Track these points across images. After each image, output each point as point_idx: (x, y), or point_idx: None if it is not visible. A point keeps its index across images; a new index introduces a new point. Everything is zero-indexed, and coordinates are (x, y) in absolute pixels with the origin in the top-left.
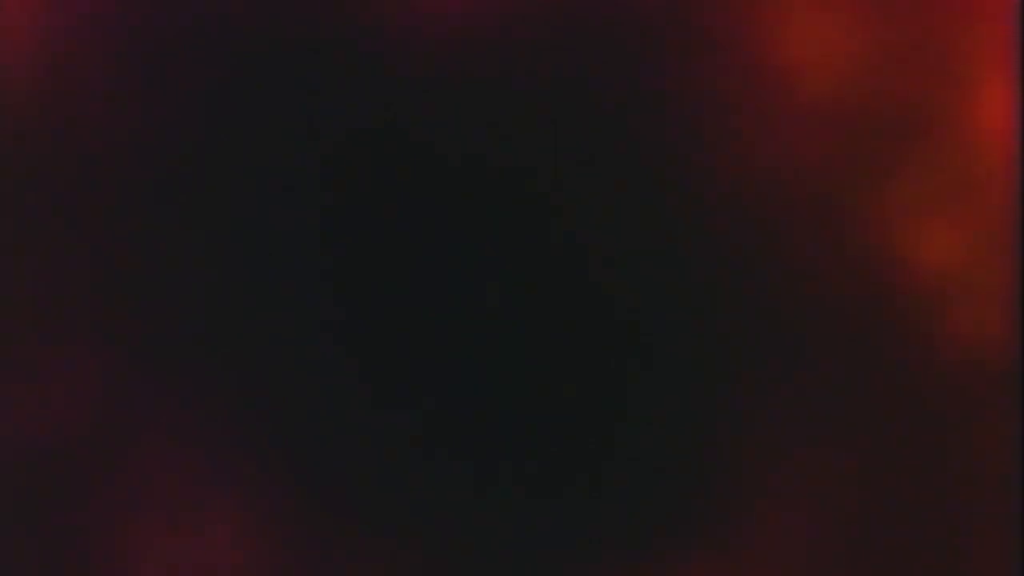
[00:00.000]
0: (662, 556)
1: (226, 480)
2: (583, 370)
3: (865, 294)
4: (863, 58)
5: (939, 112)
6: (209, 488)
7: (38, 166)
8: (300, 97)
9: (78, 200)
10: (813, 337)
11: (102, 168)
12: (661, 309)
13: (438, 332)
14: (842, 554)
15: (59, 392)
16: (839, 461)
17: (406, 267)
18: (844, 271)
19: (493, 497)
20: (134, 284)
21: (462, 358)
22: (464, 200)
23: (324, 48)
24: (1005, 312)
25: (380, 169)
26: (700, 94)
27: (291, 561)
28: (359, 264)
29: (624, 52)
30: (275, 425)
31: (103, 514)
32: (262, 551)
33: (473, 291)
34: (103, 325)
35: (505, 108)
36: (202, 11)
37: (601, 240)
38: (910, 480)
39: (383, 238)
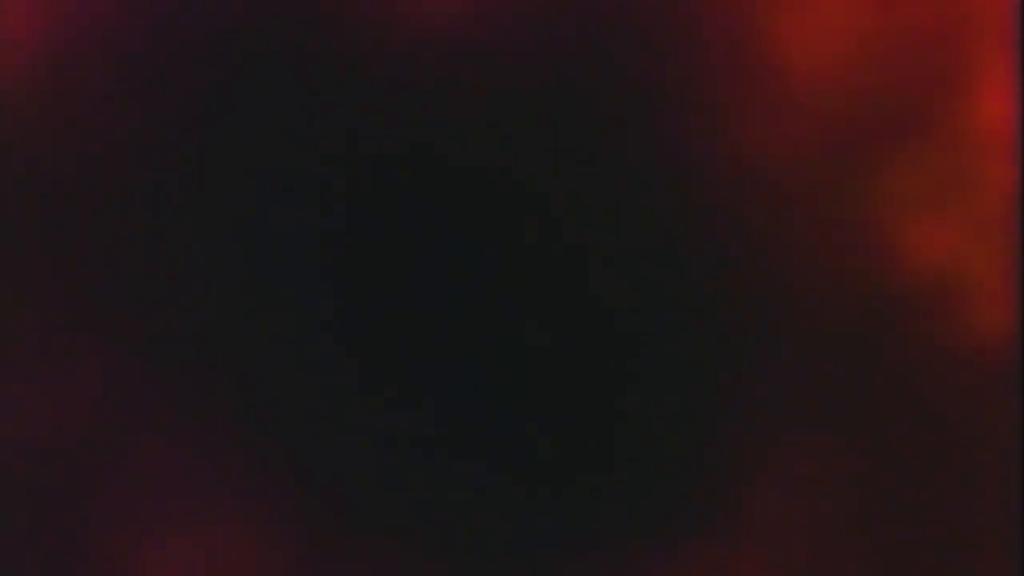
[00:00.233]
0: (662, 553)
1: (228, 481)
2: (584, 366)
3: (863, 291)
4: (860, 55)
5: (937, 108)
6: (210, 489)
7: (38, 167)
8: (300, 100)
9: (80, 201)
10: (810, 334)
11: (103, 169)
12: (661, 307)
13: (439, 334)
14: (842, 550)
15: (60, 393)
16: (838, 458)
17: (407, 269)
18: (842, 268)
19: (493, 497)
20: (136, 286)
21: (463, 360)
22: (464, 200)
23: (324, 51)
24: (1005, 309)
25: (380, 171)
26: (696, 92)
27: (293, 563)
28: (360, 266)
29: (620, 51)
30: (276, 427)
31: (104, 515)
32: (264, 553)
33: (473, 292)
34: (104, 327)
35: (502, 110)
36: (202, 13)
37: (599, 239)
38: (910, 477)
39: (384, 241)
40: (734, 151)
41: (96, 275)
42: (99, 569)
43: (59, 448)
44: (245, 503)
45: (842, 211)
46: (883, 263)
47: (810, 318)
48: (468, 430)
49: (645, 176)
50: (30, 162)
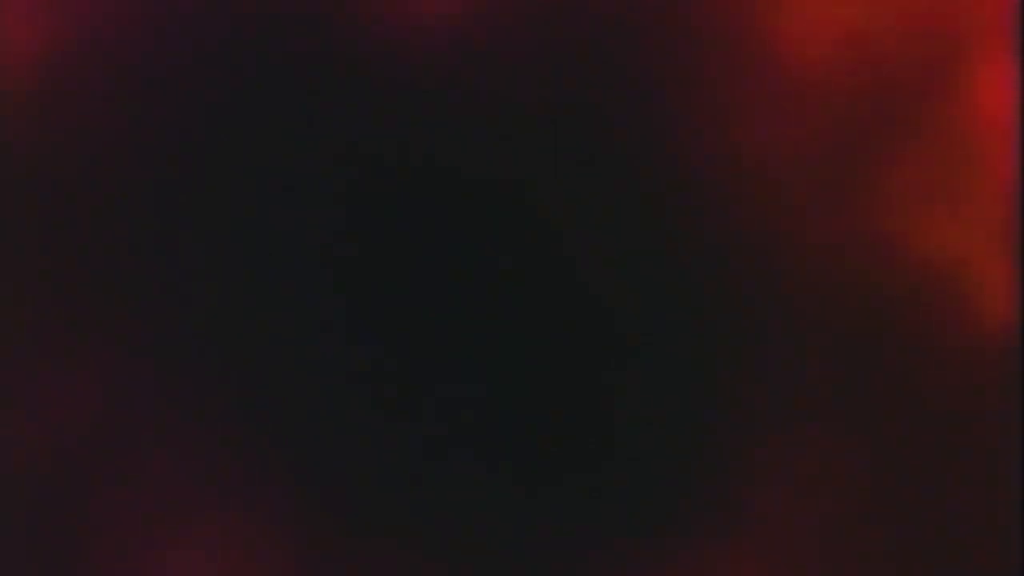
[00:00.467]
0: (663, 553)
1: (229, 482)
2: (584, 365)
3: (864, 287)
4: (860, 51)
5: (938, 103)
6: (212, 490)
7: (40, 169)
8: (300, 102)
9: (82, 202)
10: (811, 331)
11: (104, 171)
12: (660, 304)
13: (440, 335)
14: (844, 546)
15: (61, 394)
16: (840, 454)
17: (407, 270)
18: (842, 265)
19: (493, 497)
20: (137, 287)
21: (464, 360)
22: (463, 201)
23: (323, 53)
24: (1006, 304)
25: (380, 173)
26: (695, 89)
27: (295, 563)
28: (360, 267)
29: (619, 51)
30: (279, 427)
31: (104, 516)
32: (266, 553)
33: (473, 293)
34: (106, 328)
35: (500, 110)
36: (203, 17)
37: (600, 236)
38: (911, 472)
39: (385, 242)
40: (733, 147)
41: (99, 277)
42: (100, 570)
43: (60, 448)
44: (247, 504)
45: (842, 207)
46: (883, 259)
47: (810, 314)
48: (469, 430)
49: (645, 175)
50: (32, 163)
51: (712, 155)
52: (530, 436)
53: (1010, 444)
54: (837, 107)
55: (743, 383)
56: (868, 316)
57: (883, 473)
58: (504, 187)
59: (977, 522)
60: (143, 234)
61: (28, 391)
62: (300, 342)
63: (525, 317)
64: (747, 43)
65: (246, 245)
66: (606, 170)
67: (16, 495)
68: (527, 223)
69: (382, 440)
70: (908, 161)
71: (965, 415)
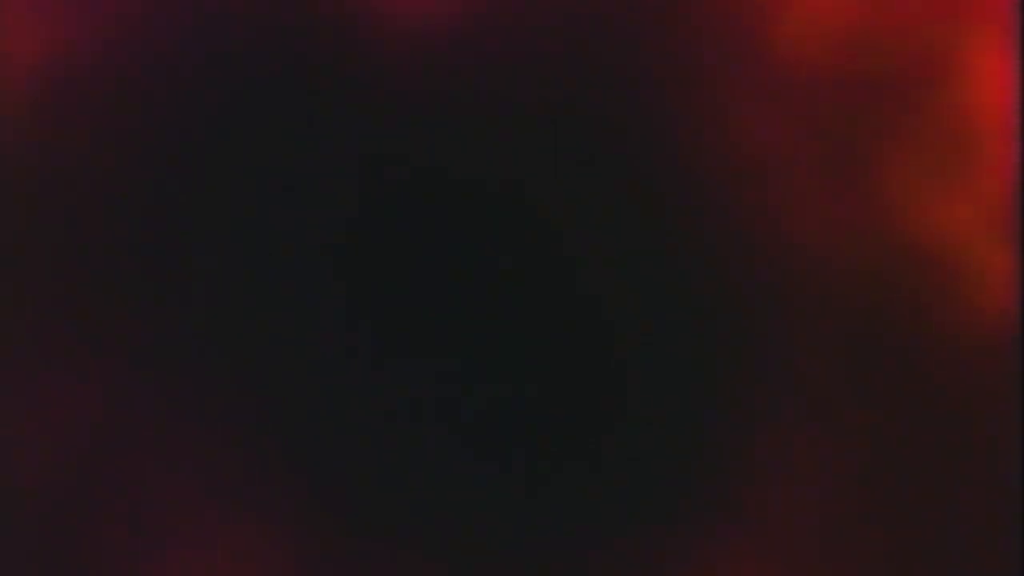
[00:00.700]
0: (664, 551)
1: (232, 484)
2: (585, 359)
3: (864, 272)
4: (859, 33)
5: (937, 90)
6: (215, 492)
7: (42, 173)
8: (299, 105)
9: (85, 211)
10: (810, 320)
11: (108, 179)
12: (661, 296)
13: (440, 336)
14: (844, 536)
15: (63, 400)
16: (840, 443)
17: (408, 271)
18: (842, 251)
19: (494, 497)
20: (139, 292)
21: (465, 361)
22: (463, 201)
23: (322, 57)
24: (1006, 285)
25: (380, 174)
26: (690, 73)
27: (300, 569)
28: (361, 269)
29: (617, 48)
30: (283, 433)
31: (107, 521)
32: (270, 559)
33: (473, 293)
34: (107, 332)
35: (498, 110)
36: (203, 23)
37: (601, 228)
38: (911, 459)
39: (386, 243)
40: (733, 142)
41: (103, 280)
42: (102, 571)
43: (61, 450)
44: (249, 505)
45: (842, 198)
46: (884, 249)
47: (811, 309)
48: (469, 430)
49: (644, 171)
50: (35, 167)
51: (711, 151)
52: (530, 436)
53: (1010, 433)
54: (837, 97)
55: (743, 380)
56: (869, 306)
57: (884, 465)
58: (504, 187)
59: (979, 510)
60: (145, 238)
61: (30, 393)
62: (302, 344)
63: (525, 317)
64: (745, 35)
65: (246, 247)
66: (606, 169)
67: (17, 496)
68: (527, 223)
69: (384, 441)
70: (908, 150)
71: (966, 403)
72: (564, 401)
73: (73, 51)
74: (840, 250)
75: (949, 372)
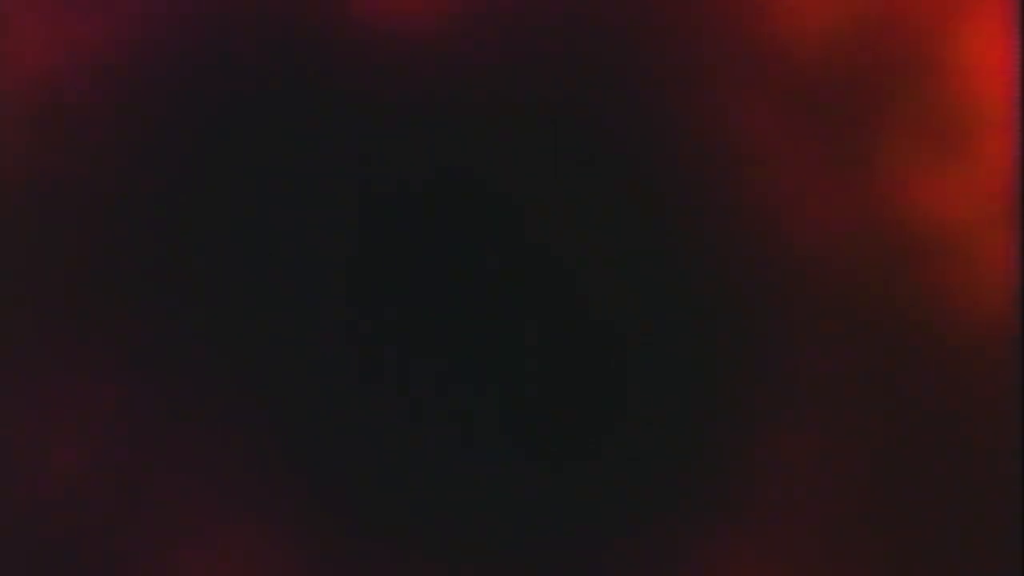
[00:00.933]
0: (664, 549)
1: (235, 486)
2: (587, 354)
3: (864, 258)
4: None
5: (937, 71)
6: (219, 494)
7: (47, 177)
8: (298, 106)
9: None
10: (809, 313)
11: (111, 182)
12: (663, 288)
13: (441, 337)
14: (843, 534)
15: (65, 405)
16: (840, 429)
17: (409, 273)
18: (843, 240)
19: (496, 496)
20: (149, 297)
21: (466, 362)
22: (463, 201)
23: (321, 58)
24: (1007, 268)
25: (381, 175)
26: (688, 54)
27: (301, 567)
28: (361, 271)
29: (615, 37)
30: (286, 437)
31: (110, 524)
32: (273, 563)
33: (474, 294)
34: (114, 336)
35: (496, 110)
36: (203, 28)
37: (603, 221)
38: (910, 444)
39: (387, 244)
40: (731, 132)
41: (111, 284)
42: (103, 572)
43: (62, 450)
44: (250, 506)
45: (842, 183)
46: (884, 234)
47: (811, 301)
48: (471, 431)
49: (644, 164)
50: (39, 170)
51: (709, 148)
52: (531, 436)
53: (1011, 427)
54: (837, 89)
55: (743, 379)
56: (870, 301)
57: (884, 462)
58: (504, 187)
59: (978, 494)
60: (148, 240)
61: (30, 394)
62: (303, 345)
63: (525, 317)
64: (745, 31)
65: (248, 249)
66: (606, 169)
67: (21, 498)
68: (527, 223)
69: (384, 441)
70: (908, 134)
71: (966, 389)
72: (564, 401)
73: (73, 52)
74: (841, 244)
75: (951, 365)
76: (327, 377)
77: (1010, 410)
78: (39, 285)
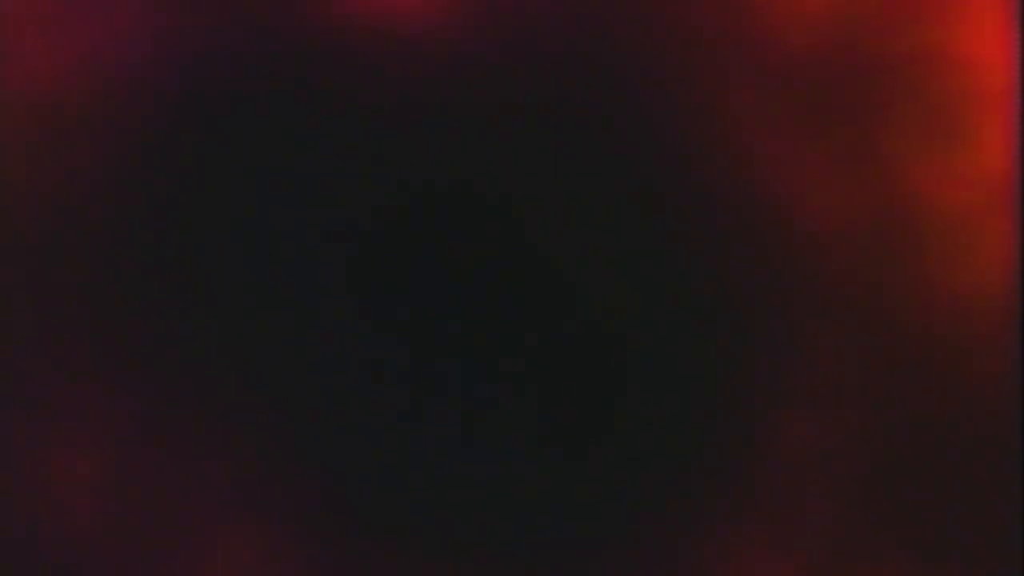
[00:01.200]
0: (664, 548)
1: (239, 489)
2: (588, 349)
3: (863, 248)
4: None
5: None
6: (222, 496)
7: (46, 180)
8: (298, 107)
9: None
10: (811, 308)
11: (113, 183)
12: (664, 280)
13: (442, 338)
14: (843, 533)
15: (66, 405)
16: (841, 437)
17: (410, 274)
18: (845, 234)
19: (497, 496)
20: (146, 298)
21: (467, 363)
22: (463, 202)
23: (321, 59)
24: (1006, 254)
25: (381, 176)
26: (685, 41)
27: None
28: (363, 273)
29: (614, 33)
30: (286, 437)
31: (110, 528)
32: (274, 563)
33: (475, 295)
34: (120, 341)
35: (495, 110)
36: (204, 29)
37: (605, 215)
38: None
39: (386, 249)
40: (731, 130)
41: (121, 288)
42: (104, 572)
43: (63, 451)
44: (251, 506)
45: (842, 170)
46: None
47: (813, 296)
48: (471, 431)
49: (644, 160)
50: (41, 173)
51: (710, 144)
52: (531, 436)
53: (1011, 415)
54: (837, 75)
55: (745, 376)
56: (872, 294)
57: (886, 458)
58: (503, 187)
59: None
60: (149, 241)
61: (33, 394)
62: (304, 346)
63: (525, 317)
64: (744, 27)
65: (249, 250)
66: (605, 169)
67: (22, 499)
68: (527, 223)
69: (385, 442)
70: (909, 126)
71: (967, 380)
72: (564, 401)
73: (73, 53)
74: (842, 237)
75: (952, 356)
76: (327, 378)
77: (1011, 403)
78: (39, 286)
